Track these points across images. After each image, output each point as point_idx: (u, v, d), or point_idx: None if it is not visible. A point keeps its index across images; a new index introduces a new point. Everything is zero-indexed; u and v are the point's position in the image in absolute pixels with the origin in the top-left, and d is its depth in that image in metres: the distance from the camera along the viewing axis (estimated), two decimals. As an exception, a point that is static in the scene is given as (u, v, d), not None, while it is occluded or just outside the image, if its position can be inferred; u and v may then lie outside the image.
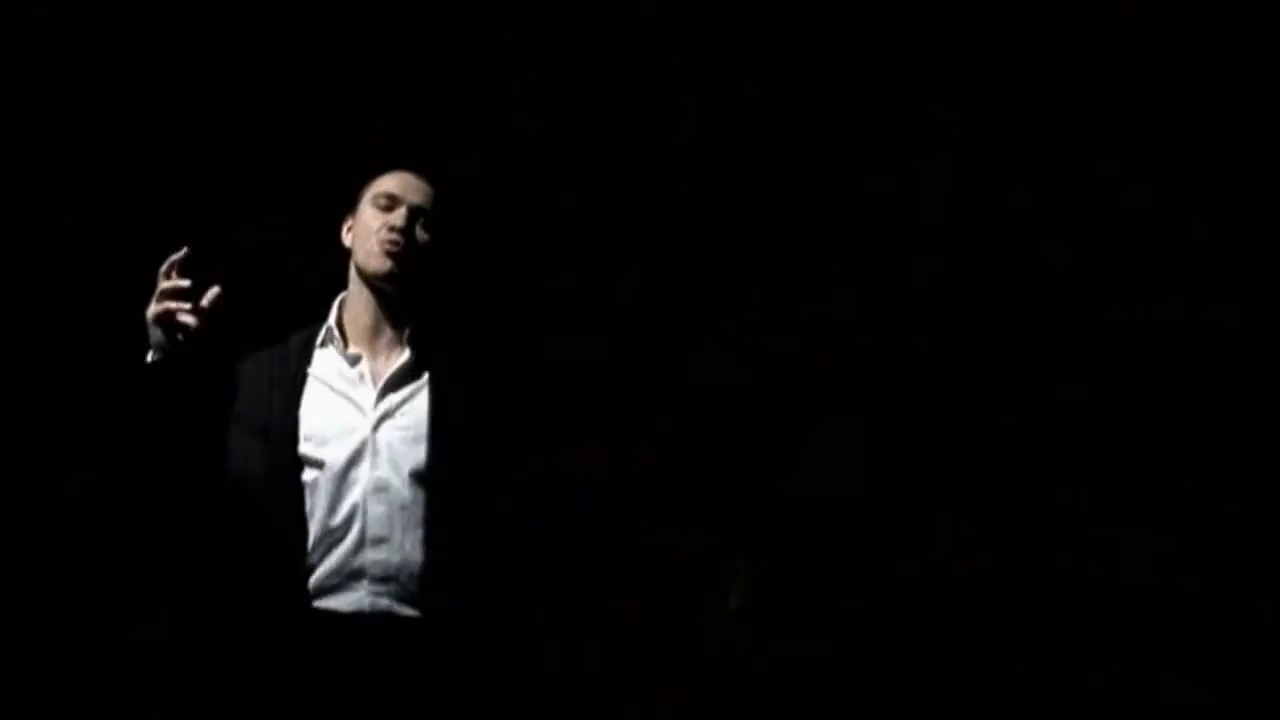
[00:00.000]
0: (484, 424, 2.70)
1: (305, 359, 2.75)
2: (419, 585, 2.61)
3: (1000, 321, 3.44)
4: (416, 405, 2.70)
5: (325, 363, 2.75)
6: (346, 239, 2.81)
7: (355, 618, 2.61)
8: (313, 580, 2.62)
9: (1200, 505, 3.32)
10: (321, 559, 2.65)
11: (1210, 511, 3.33)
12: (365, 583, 2.62)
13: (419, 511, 2.63)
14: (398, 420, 2.69)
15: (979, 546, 3.39)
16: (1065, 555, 3.36)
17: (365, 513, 2.63)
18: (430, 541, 2.62)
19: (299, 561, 2.62)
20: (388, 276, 2.70)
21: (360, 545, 2.63)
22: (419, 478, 2.64)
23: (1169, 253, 3.41)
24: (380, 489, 2.63)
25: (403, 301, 2.74)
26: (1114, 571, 3.33)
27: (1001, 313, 3.44)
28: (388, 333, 2.75)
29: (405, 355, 2.72)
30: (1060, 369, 3.43)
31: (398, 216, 2.71)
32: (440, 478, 2.65)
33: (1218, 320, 3.38)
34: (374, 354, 2.75)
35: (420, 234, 2.71)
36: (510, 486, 2.72)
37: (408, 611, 2.61)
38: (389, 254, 2.69)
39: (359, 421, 2.68)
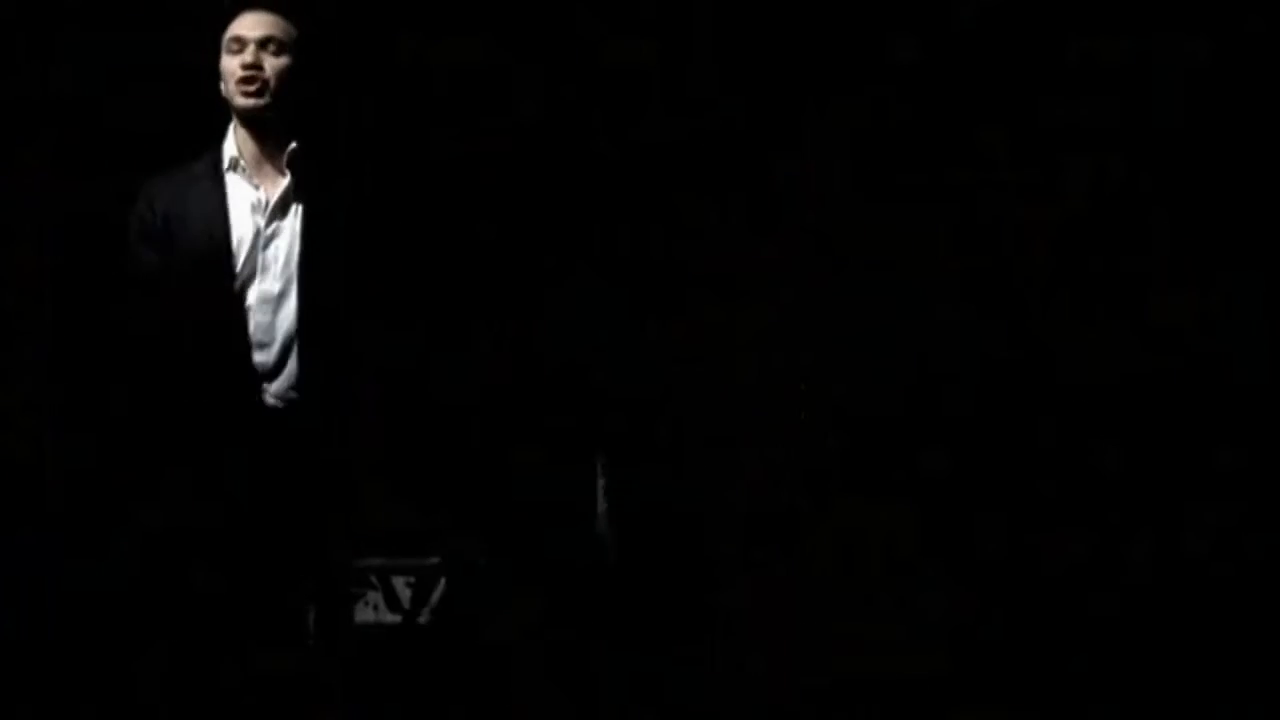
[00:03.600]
0: (347, 245, 3.03)
1: (221, 184, 3.05)
2: (289, 383, 2.98)
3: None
4: (295, 225, 3.01)
5: (236, 188, 3.05)
6: (222, 88, 3.06)
7: (255, 411, 2.98)
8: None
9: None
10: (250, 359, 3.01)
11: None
12: (259, 382, 2.99)
13: (292, 319, 2.98)
14: (280, 240, 3.01)
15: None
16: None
17: (252, 320, 2.98)
18: (295, 346, 2.98)
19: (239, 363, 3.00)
20: (251, 110, 3.00)
21: (251, 349, 2.99)
22: (295, 291, 2.99)
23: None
24: (265, 300, 2.99)
25: (271, 127, 3.03)
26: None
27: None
28: (272, 159, 3.04)
29: (286, 181, 3.03)
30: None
31: (247, 55, 2.99)
32: (306, 291, 2.98)
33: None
34: (264, 177, 3.05)
35: (274, 63, 3.00)
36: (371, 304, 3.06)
37: (280, 404, 2.99)
38: (246, 93, 2.99)
39: (252, 241, 3.00)
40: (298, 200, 3.03)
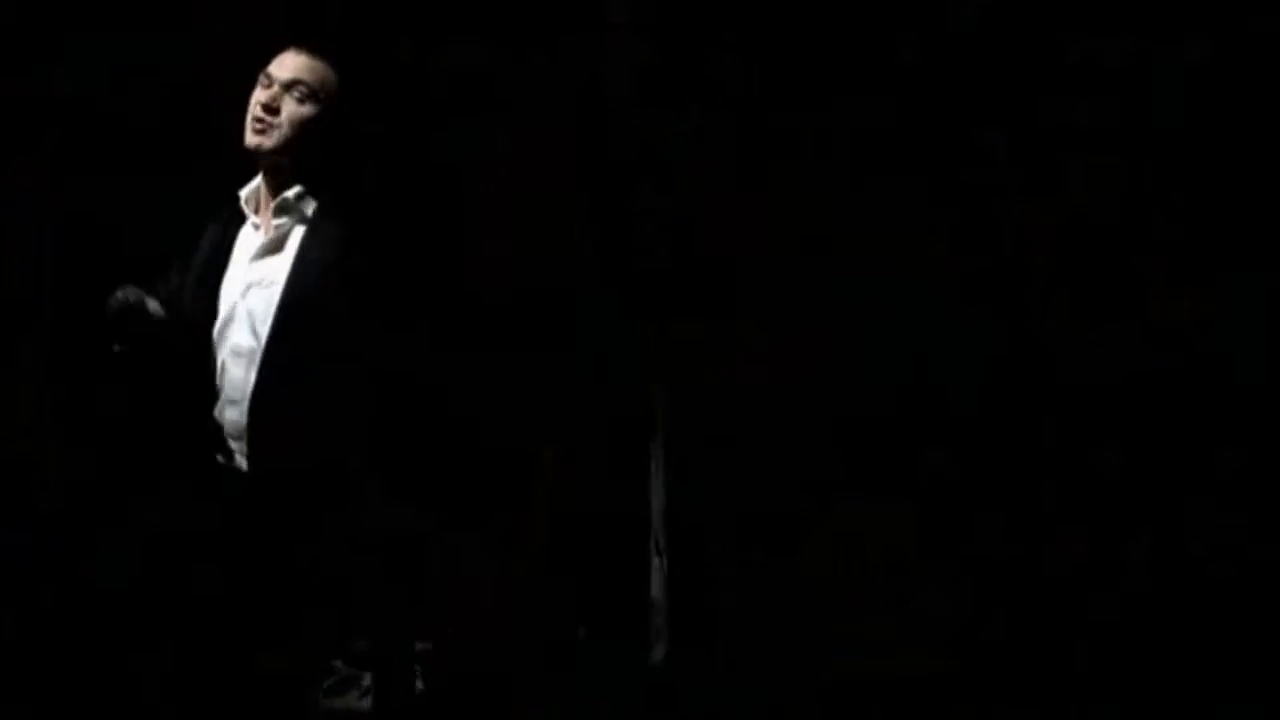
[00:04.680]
0: (334, 296, 2.72)
1: (235, 224, 2.86)
2: (260, 443, 2.71)
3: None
4: (279, 274, 2.75)
5: (245, 228, 2.85)
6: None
7: (221, 470, 2.75)
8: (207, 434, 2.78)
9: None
10: (212, 416, 2.79)
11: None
12: (227, 439, 2.75)
13: (267, 374, 2.71)
14: (261, 289, 2.76)
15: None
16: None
17: (226, 374, 2.75)
18: (269, 402, 2.71)
19: (202, 416, 2.78)
20: (255, 150, 2.79)
21: (222, 405, 2.76)
22: (271, 343, 2.71)
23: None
24: (237, 353, 2.75)
25: (282, 173, 2.79)
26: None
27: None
28: (272, 203, 2.82)
29: (274, 225, 2.80)
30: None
31: (267, 95, 2.77)
32: (284, 344, 2.70)
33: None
34: (265, 223, 2.83)
35: (293, 110, 2.76)
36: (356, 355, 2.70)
37: (253, 467, 2.73)
38: (255, 131, 2.77)
39: (235, 288, 2.79)
40: (287, 250, 2.78)
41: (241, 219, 2.86)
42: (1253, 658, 3.33)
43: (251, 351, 2.74)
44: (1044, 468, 3.44)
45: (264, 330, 2.74)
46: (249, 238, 2.83)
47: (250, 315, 2.76)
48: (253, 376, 2.73)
